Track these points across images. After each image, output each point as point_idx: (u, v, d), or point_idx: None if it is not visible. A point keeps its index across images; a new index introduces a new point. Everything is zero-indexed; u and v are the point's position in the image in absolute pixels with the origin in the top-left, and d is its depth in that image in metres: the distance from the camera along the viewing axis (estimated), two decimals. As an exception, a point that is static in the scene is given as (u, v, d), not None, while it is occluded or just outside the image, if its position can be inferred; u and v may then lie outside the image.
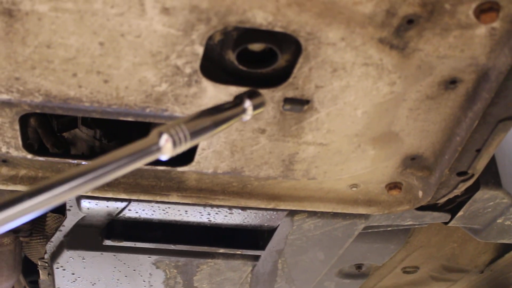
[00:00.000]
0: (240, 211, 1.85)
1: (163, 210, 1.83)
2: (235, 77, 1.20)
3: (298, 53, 1.13)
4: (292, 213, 1.90)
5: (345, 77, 1.18)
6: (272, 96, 1.22)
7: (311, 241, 2.03)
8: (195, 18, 1.03)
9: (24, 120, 1.33)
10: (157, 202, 1.77)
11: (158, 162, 1.48)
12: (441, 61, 1.18)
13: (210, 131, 0.95)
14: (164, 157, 0.85)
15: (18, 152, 1.39)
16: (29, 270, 2.45)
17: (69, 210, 1.88)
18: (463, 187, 1.58)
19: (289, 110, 1.25)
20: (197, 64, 1.12)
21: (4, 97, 1.18)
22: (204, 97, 1.20)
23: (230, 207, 1.84)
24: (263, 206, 1.65)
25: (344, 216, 1.92)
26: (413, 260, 2.70)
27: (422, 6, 1.04)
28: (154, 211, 1.84)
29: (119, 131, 1.69)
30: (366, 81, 1.20)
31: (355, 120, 1.31)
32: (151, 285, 2.26)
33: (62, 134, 1.77)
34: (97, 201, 1.79)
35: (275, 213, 1.87)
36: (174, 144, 0.86)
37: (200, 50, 1.09)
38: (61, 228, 1.97)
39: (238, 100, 1.05)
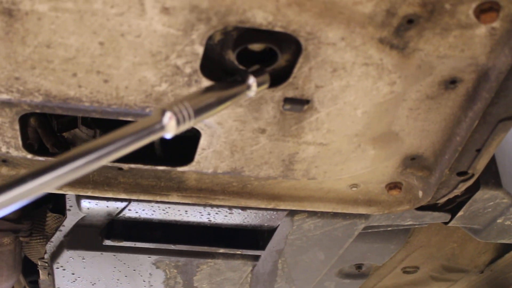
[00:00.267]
0: (240, 211, 1.85)
1: (163, 210, 1.83)
2: (235, 77, 1.20)
3: (298, 53, 1.13)
4: (292, 213, 1.90)
5: (345, 77, 1.18)
6: (272, 96, 1.22)
7: (311, 241, 2.03)
8: (195, 18, 1.03)
9: (24, 120, 1.33)
10: (157, 202, 1.77)
11: (158, 162, 1.49)
12: (441, 61, 1.18)
13: (215, 108, 0.94)
14: (168, 135, 0.84)
15: (18, 152, 1.38)
16: (29, 270, 2.45)
17: (69, 210, 1.88)
18: (463, 187, 1.58)
19: (289, 110, 1.25)
20: (197, 64, 1.12)
21: (4, 97, 1.18)
22: None
23: (230, 207, 1.84)
24: (263, 206, 1.65)
25: (344, 216, 1.92)
26: (413, 260, 2.70)
27: (422, 6, 1.04)
28: (154, 211, 1.84)
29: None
30: (366, 81, 1.20)
31: (355, 120, 1.31)
32: (151, 285, 2.26)
33: (62, 134, 1.77)
34: (97, 201, 1.79)
35: (275, 213, 1.87)
36: (178, 122, 0.84)
37: (200, 50, 1.09)
38: (61, 228, 1.97)
39: (242, 77, 1.05)
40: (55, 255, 2.08)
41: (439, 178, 1.51)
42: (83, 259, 2.06)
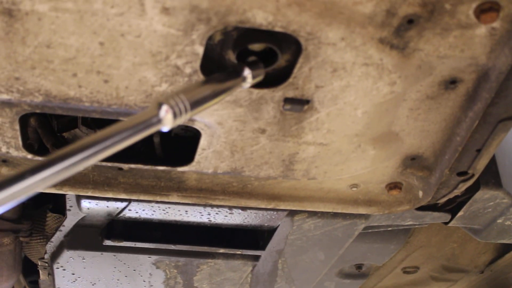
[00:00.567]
0: (240, 211, 1.85)
1: (163, 210, 1.83)
2: (235, 77, 1.20)
3: (298, 53, 1.13)
4: (292, 213, 1.90)
5: (345, 77, 1.18)
6: (272, 96, 1.22)
7: (311, 241, 2.03)
8: (195, 18, 1.03)
9: (24, 120, 1.33)
10: (157, 202, 1.77)
11: (158, 162, 1.49)
12: (441, 61, 1.18)
13: (210, 100, 0.94)
14: (165, 128, 0.84)
15: (18, 152, 1.38)
16: (29, 270, 2.45)
17: (69, 210, 1.88)
18: (463, 187, 1.58)
19: (289, 110, 1.25)
20: (197, 64, 1.12)
21: (4, 97, 1.18)
22: None
23: (230, 207, 1.84)
24: (263, 206, 1.65)
25: (344, 216, 1.92)
26: (413, 260, 2.70)
27: (422, 6, 1.04)
28: (154, 211, 1.84)
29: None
30: (366, 81, 1.20)
31: (355, 120, 1.31)
32: (151, 285, 2.26)
33: (62, 134, 1.77)
34: (97, 201, 1.79)
35: (275, 213, 1.87)
36: (175, 115, 0.84)
37: (200, 50, 1.09)
38: (61, 228, 1.97)
39: (237, 69, 1.05)
40: (55, 255, 2.08)
41: (439, 178, 1.51)
42: (83, 259, 2.06)
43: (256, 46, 1.13)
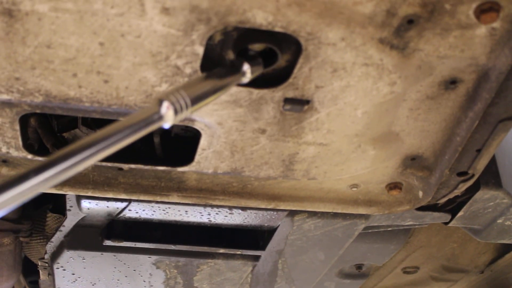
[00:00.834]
0: (240, 211, 1.85)
1: (163, 210, 1.83)
2: (235, 77, 1.20)
3: (298, 53, 1.13)
4: (292, 213, 1.90)
5: (345, 77, 1.18)
6: (272, 96, 1.22)
7: (311, 241, 2.03)
8: (195, 18, 1.03)
9: (24, 120, 1.33)
10: (157, 202, 1.76)
11: (158, 162, 1.49)
12: (441, 61, 1.18)
13: (211, 96, 0.94)
14: (166, 125, 0.84)
15: (18, 152, 1.39)
16: (29, 270, 2.45)
17: (70, 210, 1.88)
18: (463, 187, 1.58)
19: (289, 110, 1.25)
20: (197, 64, 1.12)
21: (4, 97, 1.18)
22: None
23: (230, 207, 1.84)
24: (263, 206, 1.65)
25: (344, 216, 1.92)
26: (413, 260, 2.70)
27: (422, 6, 1.04)
28: (154, 211, 1.84)
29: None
30: (366, 81, 1.20)
31: (355, 120, 1.31)
32: (151, 285, 2.26)
33: (62, 134, 1.77)
34: (97, 201, 1.79)
35: (275, 213, 1.87)
36: (176, 111, 0.84)
37: (200, 50, 1.09)
38: (61, 228, 1.97)
39: (236, 64, 1.05)
40: (55, 255, 2.08)
41: (439, 178, 1.51)
42: (83, 259, 2.06)
43: (256, 46, 1.13)
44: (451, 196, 1.64)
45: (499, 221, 2.06)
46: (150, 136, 1.42)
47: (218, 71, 1.03)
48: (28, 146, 1.41)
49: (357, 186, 1.62)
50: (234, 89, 1.19)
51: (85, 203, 1.80)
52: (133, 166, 1.48)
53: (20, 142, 1.35)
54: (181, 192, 1.60)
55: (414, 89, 1.27)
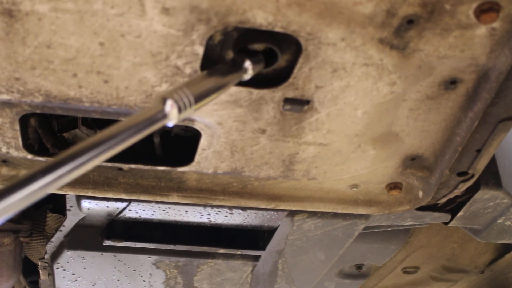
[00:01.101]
0: (240, 211, 1.85)
1: (163, 210, 1.83)
2: (235, 77, 1.20)
3: (298, 53, 1.13)
4: (292, 213, 1.90)
5: (345, 77, 1.18)
6: (272, 96, 1.22)
7: (311, 241, 2.03)
8: (195, 18, 1.03)
9: (24, 120, 1.33)
10: (157, 202, 1.77)
11: (158, 162, 1.49)
12: (441, 61, 1.18)
13: (213, 93, 0.94)
14: (170, 123, 0.84)
15: (19, 153, 1.39)
16: (29, 270, 2.45)
17: (70, 210, 1.88)
18: (463, 187, 1.58)
19: (289, 110, 1.25)
20: (197, 64, 1.12)
21: (5, 97, 1.18)
22: None
23: (230, 207, 1.84)
24: (263, 206, 1.65)
25: (344, 216, 1.92)
26: (413, 260, 2.70)
27: (422, 6, 1.04)
28: (154, 211, 1.84)
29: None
30: (366, 81, 1.20)
31: (355, 120, 1.31)
32: (151, 285, 2.26)
33: (62, 134, 1.77)
34: (97, 201, 1.79)
35: (275, 213, 1.87)
36: (179, 109, 0.84)
37: (200, 50, 1.09)
38: (62, 228, 1.97)
39: (238, 61, 1.05)
40: (55, 255, 2.08)
41: (439, 179, 1.51)
42: (83, 259, 2.06)
43: (256, 46, 1.13)
44: (451, 196, 1.64)
45: (499, 221, 2.06)
46: (150, 136, 1.42)
47: (220, 68, 1.03)
48: (28, 146, 1.41)
49: (357, 186, 1.62)
50: (234, 89, 1.19)
51: (85, 203, 1.80)
52: (133, 166, 1.48)
53: (20, 142, 1.35)
54: (181, 192, 1.60)
55: (414, 89, 1.27)
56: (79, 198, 1.79)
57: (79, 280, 2.19)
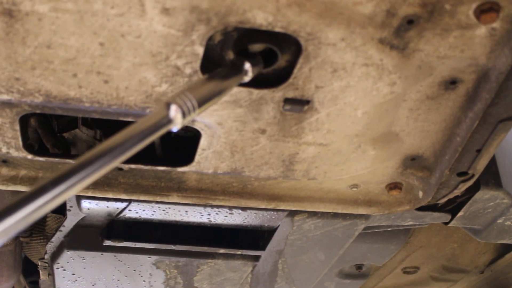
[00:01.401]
0: (240, 211, 1.85)
1: (163, 210, 1.83)
2: (235, 77, 1.20)
3: (298, 54, 1.13)
4: (292, 213, 1.90)
5: (345, 77, 1.18)
6: (272, 96, 1.22)
7: (311, 241, 2.03)
8: (195, 18, 1.03)
9: (24, 121, 1.33)
10: (157, 202, 1.77)
11: (158, 162, 1.49)
12: (441, 61, 1.18)
13: (216, 96, 0.95)
14: (175, 128, 0.85)
15: (19, 153, 1.39)
16: (29, 270, 2.45)
17: (70, 210, 1.88)
18: (463, 187, 1.58)
19: (289, 110, 1.25)
20: (197, 65, 1.12)
21: (5, 97, 1.18)
22: None
23: (230, 208, 1.84)
24: (263, 207, 1.65)
25: (344, 216, 1.92)
26: (413, 260, 2.70)
27: (422, 6, 1.04)
28: (154, 211, 1.84)
29: (120, 131, 1.69)
30: (366, 82, 1.20)
31: (355, 121, 1.31)
32: (152, 285, 2.26)
33: (62, 134, 1.77)
34: (98, 201, 1.79)
35: (275, 213, 1.87)
36: (184, 114, 0.85)
37: (200, 50, 1.09)
38: (62, 228, 1.97)
39: (237, 63, 1.05)
40: (55, 255, 2.08)
41: (439, 179, 1.51)
42: (84, 259, 2.06)
43: (256, 47, 1.13)
44: (451, 196, 1.64)
45: (499, 221, 2.06)
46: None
47: (219, 71, 1.03)
48: (28, 146, 1.41)
49: (357, 186, 1.62)
50: (234, 89, 1.19)
51: (85, 203, 1.80)
52: (133, 166, 1.48)
53: (20, 142, 1.35)
54: (181, 192, 1.60)
55: (414, 89, 1.27)
56: (79, 198, 1.79)
57: (79, 280, 2.19)
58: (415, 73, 1.20)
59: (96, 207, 1.82)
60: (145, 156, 1.52)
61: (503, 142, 1.92)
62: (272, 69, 1.18)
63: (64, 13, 1.01)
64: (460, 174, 1.51)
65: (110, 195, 1.59)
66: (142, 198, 1.60)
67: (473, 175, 1.52)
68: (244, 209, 1.84)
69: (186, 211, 1.84)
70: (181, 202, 1.62)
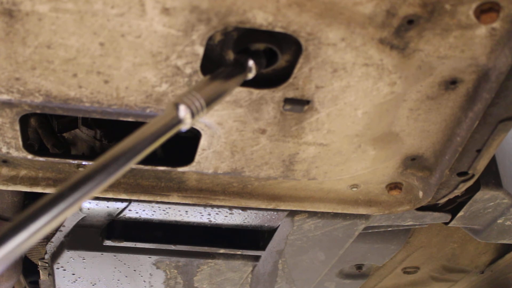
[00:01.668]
0: (240, 211, 1.85)
1: (164, 210, 1.83)
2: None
3: (298, 54, 1.13)
4: (292, 213, 1.90)
5: (346, 77, 1.18)
6: (273, 96, 1.22)
7: (312, 241, 2.03)
8: (195, 18, 1.03)
9: (24, 121, 1.33)
10: (157, 202, 1.77)
11: (158, 163, 1.49)
12: (441, 62, 1.18)
13: (222, 94, 0.95)
14: (184, 128, 0.85)
15: (19, 153, 1.39)
16: (29, 270, 2.45)
17: (70, 210, 1.88)
18: (463, 187, 1.58)
19: (289, 110, 1.25)
20: (197, 65, 1.12)
21: (5, 97, 1.18)
22: None
23: (230, 208, 1.84)
24: (263, 207, 1.65)
25: (344, 216, 1.92)
26: (414, 260, 2.70)
27: (422, 6, 1.04)
28: (154, 211, 1.84)
29: (120, 131, 1.69)
30: (366, 82, 1.20)
31: (356, 121, 1.31)
32: (152, 285, 2.26)
33: (62, 134, 1.77)
34: (98, 201, 1.79)
35: (275, 213, 1.87)
36: (192, 113, 0.85)
37: (200, 50, 1.09)
38: (62, 228, 1.97)
39: (241, 61, 1.05)
40: (55, 255, 2.08)
41: (439, 179, 1.51)
42: (84, 259, 2.06)
43: (256, 47, 1.13)
44: (451, 196, 1.64)
45: (499, 221, 2.06)
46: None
47: (222, 71, 1.04)
48: (28, 146, 1.41)
49: (357, 186, 1.62)
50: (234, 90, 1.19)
51: (85, 203, 1.80)
52: (133, 166, 1.48)
53: (20, 142, 1.35)
54: (181, 192, 1.60)
55: (414, 89, 1.27)
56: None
57: (79, 280, 2.19)
58: (415, 73, 1.20)
59: (96, 207, 1.83)
60: (145, 156, 1.51)
61: (503, 142, 1.92)
62: (272, 69, 1.18)
63: (64, 13, 1.01)
64: (460, 174, 1.51)
65: (110, 195, 1.59)
66: (142, 198, 1.60)
67: (473, 175, 1.52)
68: (244, 209, 1.84)
69: (186, 211, 1.84)
70: (181, 202, 1.62)
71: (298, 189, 1.62)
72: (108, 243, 1.99)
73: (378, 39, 1.10)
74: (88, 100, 1.20)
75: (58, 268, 2.11)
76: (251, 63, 1.05)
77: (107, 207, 1.82)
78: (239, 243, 2.09)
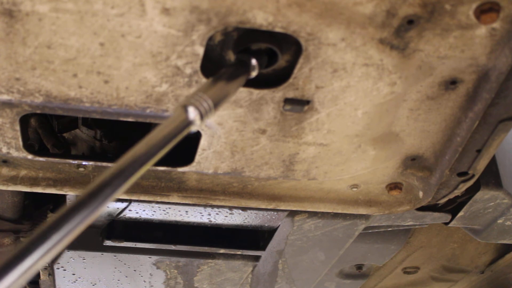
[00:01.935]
0: (240, 211, 1.85)
1: (164, 210, 1.83)
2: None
3: (298, 54, 1.13)
4: (292, 213, 1.90)
5: (346, 77, 1.18)
6: (273, 96, 1.22)
7: (312, 241, 2.03)
8: (195, 18, 1.03)
9: (24, 121, 1.33)
10: (157, 202, 1.77)
11: (158, 163, 1.49)
12: (441, 62, 1.18)
13: (229, 94, 0.96)
14: (194, 129, 0.86)
15: (19, 153, 1.39)
16: (29, 270, 2.44)
17: (70, 210, 1.88)
18: (463, 187, 1.58)
19: (289, 110, 1.25)
20: (197, 65, 1.12)
21: (5, 97, 1.19)
22: None
23: (230, 208, 1.84)
24: (263, 207, 1.65)
25: (344, 216, 1.92)
26: (414, 260, 2.71)
27: (422, 6, 1.04)
28: (154, 211, 1.84)
29: (120, 131, 1.70)
30: (366, 82, 1.20)
31: (356, 121, 1.31)
32: (152, 286, 2.26)
33: (62, 134, 1.77)
34: (98, 201, 1.79)
35: (275, 213, 1.87)
36: (201, 115, 0.86)
37: (200, 50, 1.09)
38: (62, 228, 1.97)
39: (243, 60, 1.06)
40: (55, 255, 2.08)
41: (439, 179, 1.51)
42: (84, 259, 2.07)
43: (257, 47, 1.13)
44: (452, 196, 1.64)
45: (500, 221, 2.06)
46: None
47: (224, 71, 1.04)
48: (28, 146, 1.41)
49: (358, 186, 1.62)
50: (234, 90, 1.19)
51: (86, 203, 1.80)
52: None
53: (21, 143, 1.35)
54: (181, 193, 1.60)
55: (414, 90, 1.27)
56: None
57: (80, 280, 2.19)
58: (415, 73, 1.20)
59: (96, 207, 1.82)
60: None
61: (503, 142, 1.92)
62: (272, 69, 1.18)
63: (64, 13, 1.01)
64: (460, 174, 1.51)
65: (110, 195, 1.58)
66: (142, 198, 1.60)
67: (473, 175, 1.52)
68: (244, 209, 1.84)
69: (187, 211, 1.84)
70: (181, 202, 1.62)
71: (298, 189, 1.62)
72: (108, 243, 1.99)
73: (378, 39, 1.10)
74: (88, 100, 1.20)
75: (58, 268, 2.11)
76: (254, 61, 1.05)
77: (107, 207, 1.82)
78: (239, 243, 2.09)
